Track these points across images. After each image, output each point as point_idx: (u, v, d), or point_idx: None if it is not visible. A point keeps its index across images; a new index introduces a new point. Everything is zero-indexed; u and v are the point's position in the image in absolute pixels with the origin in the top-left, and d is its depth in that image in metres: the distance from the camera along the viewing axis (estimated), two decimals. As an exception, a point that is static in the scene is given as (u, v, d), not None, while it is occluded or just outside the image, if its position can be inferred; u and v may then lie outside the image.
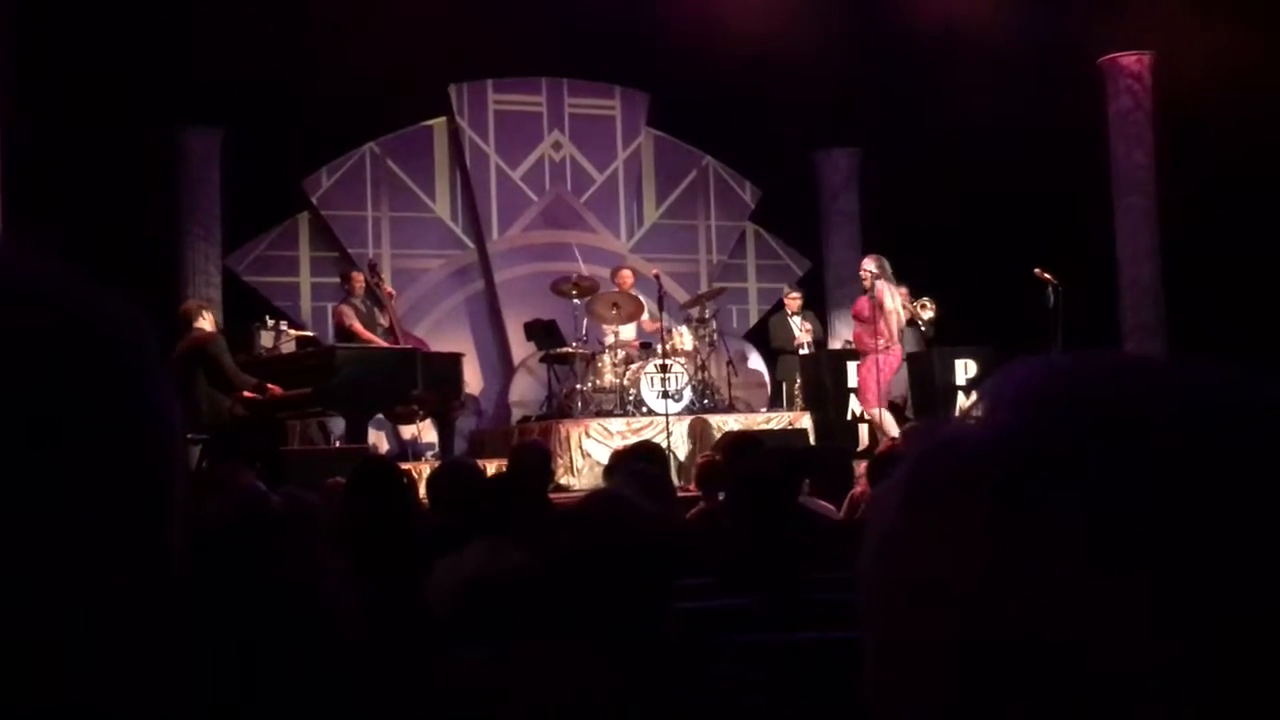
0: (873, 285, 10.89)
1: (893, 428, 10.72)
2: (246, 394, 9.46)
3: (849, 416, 11.77)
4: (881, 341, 10.80)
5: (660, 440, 9.59)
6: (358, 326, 11.20)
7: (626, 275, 12.31)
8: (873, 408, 10.83)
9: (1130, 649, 0.55)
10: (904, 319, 11.23)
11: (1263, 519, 0.56)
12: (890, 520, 0.63)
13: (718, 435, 10.63)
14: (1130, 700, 0.55)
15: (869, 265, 11.00)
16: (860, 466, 9.45)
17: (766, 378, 13.32)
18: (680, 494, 7.30)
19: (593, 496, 2.34)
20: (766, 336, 13.47)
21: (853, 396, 11.62)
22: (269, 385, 9.58)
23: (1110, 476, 0.57)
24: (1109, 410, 0.59)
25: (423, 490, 9.19)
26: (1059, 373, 0.62)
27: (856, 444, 10.81)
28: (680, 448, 10.73)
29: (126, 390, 0.66)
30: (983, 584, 0.57)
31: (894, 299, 11.02)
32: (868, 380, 10.80)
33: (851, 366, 11.49)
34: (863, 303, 10.90)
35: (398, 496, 5.28)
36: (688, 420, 11.01)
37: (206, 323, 9.62)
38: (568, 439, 10.64)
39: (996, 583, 0.57)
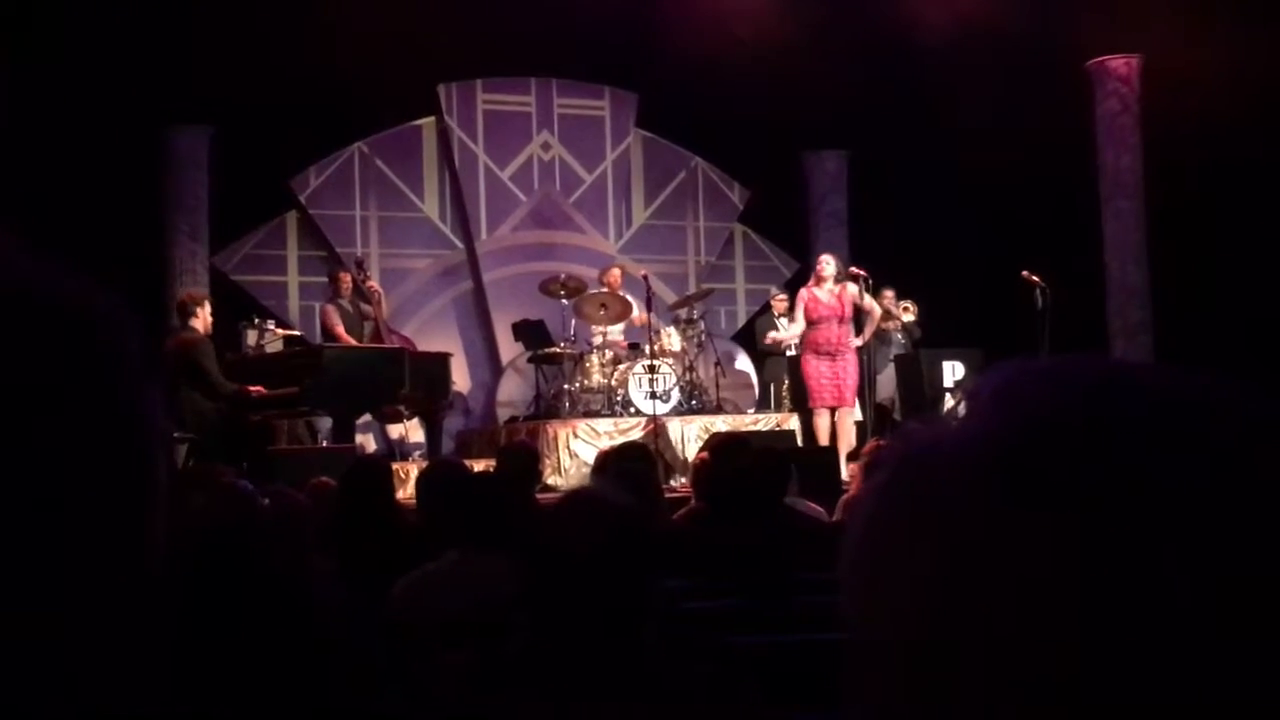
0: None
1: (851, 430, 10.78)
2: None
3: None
4: (858, 341, 10.85)
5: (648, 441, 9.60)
6: (340, 330, 11.18)
7: (615, 275, 12.29)
8: (852, 406, 10.84)
9: (1104, 647, 0.55)
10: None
11: (1237, 518, 0.56)
12: (870, 522, 0.63)
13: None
14: (1108, 695, 0.55)
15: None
16: (850, 468, 9.49)
17: (754, 379, 13.32)
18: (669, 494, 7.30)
19: (569, 495, 2.34)
20: (754, 338, 13.47)
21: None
22: (250, 389, 9.56)
23: (1085, 479, 0.57)
24: (1085, 414, 0.59)
25: (411, 490, 9.20)
26: (1037, 376, 0.62)
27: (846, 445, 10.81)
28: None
29: (105, 382, 0.66)
30: (958, 585, 0.57)
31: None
32: (846, 379, 10.76)
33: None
34: (845, 301, 10.82)
35: (387, 497, 5.29)
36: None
37: (200, 320, 9.59)
38: (555, 439, 10.64)
39: (971, 583, 0.57)
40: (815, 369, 10.74)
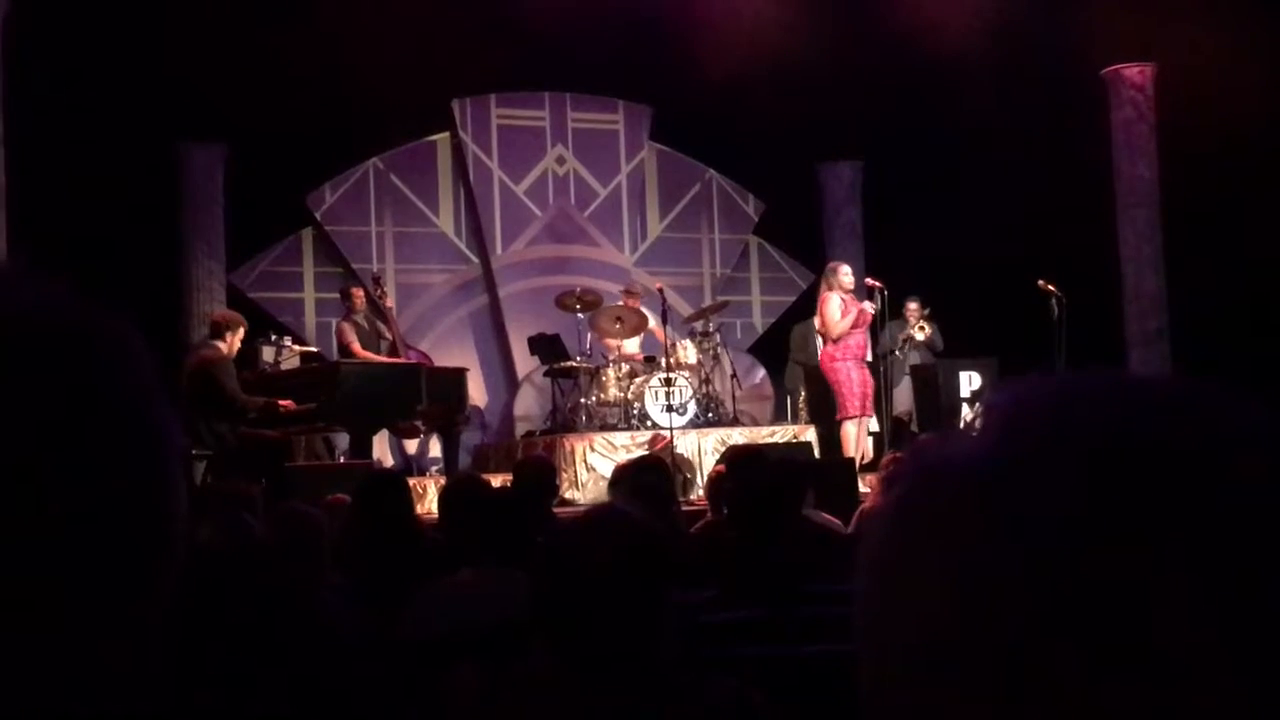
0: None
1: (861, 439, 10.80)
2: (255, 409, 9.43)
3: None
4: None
5: (665, 454, 9.59)
6: (356, 346, 11.19)
7: (634, 298, 12.19)
8: (872, 415, 10.87)
9: (1110, 661, 0.55)
10: None
11: (1247, 539, 0.56)
12: (884, 537, 0.63)
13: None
14: (1111, 708, 0.55)
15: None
16: (866, 480, 9.47)
17: (770, 391, 13.27)
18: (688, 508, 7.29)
19: (591, 512, 2.34)
20: (783, 346, 13.28)
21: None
22: (280, 401, 9.49)
23: (1093, 497, 0.57)
24: (1096, 431, 0.59)
25: (432, 505, 9.20)
26: (1050, 393, 0.62)
27: (861, 457, 10.78)
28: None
29: (118, 403, 0.66)
30: (969, 600, 0.58)
31: None
32: (870, 389, 10.80)
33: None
34: (866, 310, 10.83)
35: (402, 511, 5.29)
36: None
37: (225, 343, 9.47)
38: (572, 453, 10.64)
39: (982, 599, 0.57)
40: (854, 377, 10.69)
